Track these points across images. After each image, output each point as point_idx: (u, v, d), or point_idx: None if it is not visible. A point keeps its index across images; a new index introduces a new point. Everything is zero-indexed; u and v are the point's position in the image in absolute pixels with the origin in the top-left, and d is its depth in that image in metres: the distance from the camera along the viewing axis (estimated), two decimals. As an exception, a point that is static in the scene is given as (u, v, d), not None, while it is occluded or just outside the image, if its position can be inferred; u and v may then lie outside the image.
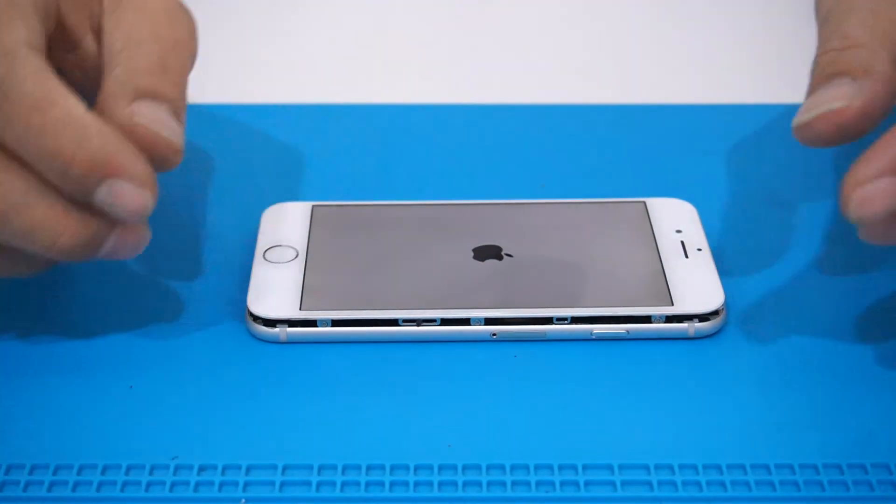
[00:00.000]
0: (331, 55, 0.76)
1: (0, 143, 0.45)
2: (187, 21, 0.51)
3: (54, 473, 0.48)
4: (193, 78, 0.74)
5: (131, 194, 0.46)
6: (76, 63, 0.49)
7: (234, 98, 0.70)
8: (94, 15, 0.49)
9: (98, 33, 0.49)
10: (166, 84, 0.47)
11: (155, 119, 0.47)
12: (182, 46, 0.50)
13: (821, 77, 0.50)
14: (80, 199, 0.46)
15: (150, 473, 0.48)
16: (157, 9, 0.50)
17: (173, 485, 0.48)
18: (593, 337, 0.54)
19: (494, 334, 0.54)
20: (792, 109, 0.68)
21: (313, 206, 0.60)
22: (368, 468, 0.49)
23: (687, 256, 0.57)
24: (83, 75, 0.49)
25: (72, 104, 0.44)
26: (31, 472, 0.48)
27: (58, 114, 0.44)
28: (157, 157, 0.47)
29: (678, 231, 0.59)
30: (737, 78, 0.72)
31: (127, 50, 0.48)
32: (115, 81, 0.47)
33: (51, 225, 0.46)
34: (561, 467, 0.49)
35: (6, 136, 0.44)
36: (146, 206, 0.46)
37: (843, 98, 0.48)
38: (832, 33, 0.50)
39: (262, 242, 0.58)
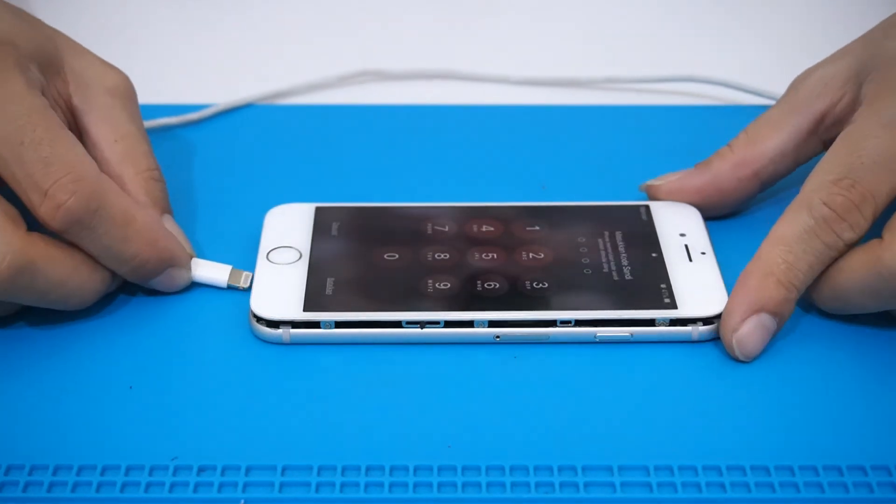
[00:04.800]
0: (333, 55, 0.76)
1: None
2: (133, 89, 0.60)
3: (54, 474, 0.48)
4: (198, 80, 0.74)
5: (180, 277, 0.56)
6: None
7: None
8: (63, 94, 0.58)
9: (71, 110, 0.58)
10: (166, 198, 0.58)
11: (183, 238, 0.58)
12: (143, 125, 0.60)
13: None
14: (135, 282, 0.56)
15: (150, 474, 0.48)
16: (119, 89, 0.59)
17: (172, 485, 0.48)
18: (597, 340, 0.54)
19: (498, 337, 0.54)
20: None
21: (316, 208, 0.60)
22: (368, 469, 0.49)
23: (691, 260, 0.57)
24: None
25: (144, 215, 0.54)
26: (30, 473, 0.48)
27: (138, 226, 0.54)
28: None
29: (682, 234, 0.58)
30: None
31: (123, 142, 0.58)
32: (138, 187, 0.57)
33: (89, 286, 0.54)
34: (560, 468, 0.49)
35: (90, 244, 0.53)
36: (187, 283, 0.57)
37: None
38: None
39: (266, 244, 0.58)
